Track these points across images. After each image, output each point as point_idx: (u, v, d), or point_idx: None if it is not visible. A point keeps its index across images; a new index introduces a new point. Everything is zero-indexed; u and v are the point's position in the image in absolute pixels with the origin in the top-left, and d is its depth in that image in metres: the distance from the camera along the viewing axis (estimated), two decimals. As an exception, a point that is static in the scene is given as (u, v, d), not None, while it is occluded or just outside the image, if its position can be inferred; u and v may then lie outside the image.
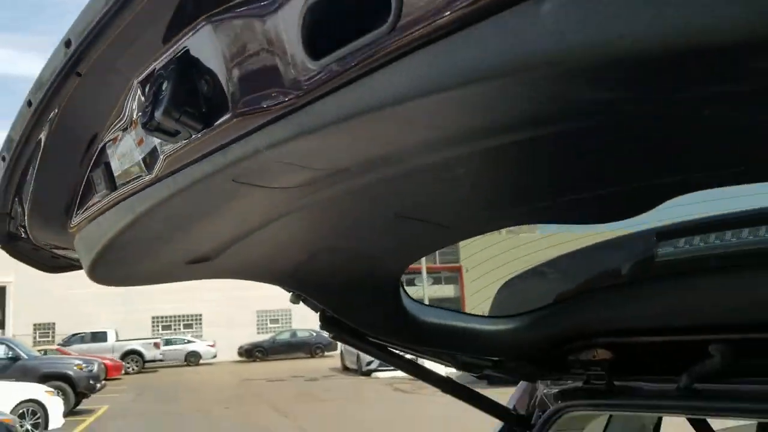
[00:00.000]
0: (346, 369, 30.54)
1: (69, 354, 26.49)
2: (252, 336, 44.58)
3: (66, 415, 16.36)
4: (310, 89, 0.79)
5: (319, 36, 0.74)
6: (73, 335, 37.09)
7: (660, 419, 2.82)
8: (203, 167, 0.97)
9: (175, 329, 47.43)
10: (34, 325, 42.07)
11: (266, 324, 47.24)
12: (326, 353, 39.56)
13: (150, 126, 0.94)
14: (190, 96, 0.90)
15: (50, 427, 15.08)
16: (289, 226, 1.30)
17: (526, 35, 0.59)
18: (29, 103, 1.12)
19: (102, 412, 19.76)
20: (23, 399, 14.88)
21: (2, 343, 20.37)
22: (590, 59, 0.58)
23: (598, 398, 2.00)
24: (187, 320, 48.18)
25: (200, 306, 45.21)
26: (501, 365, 2.18)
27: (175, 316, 47.63)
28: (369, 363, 27.12)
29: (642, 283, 1.75)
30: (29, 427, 14.61)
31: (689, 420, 2.33)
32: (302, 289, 1.74)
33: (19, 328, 39.38)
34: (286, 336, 42.27)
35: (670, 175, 1.18)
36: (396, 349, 2.03)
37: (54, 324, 42.39)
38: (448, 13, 0.63)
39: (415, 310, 1.92)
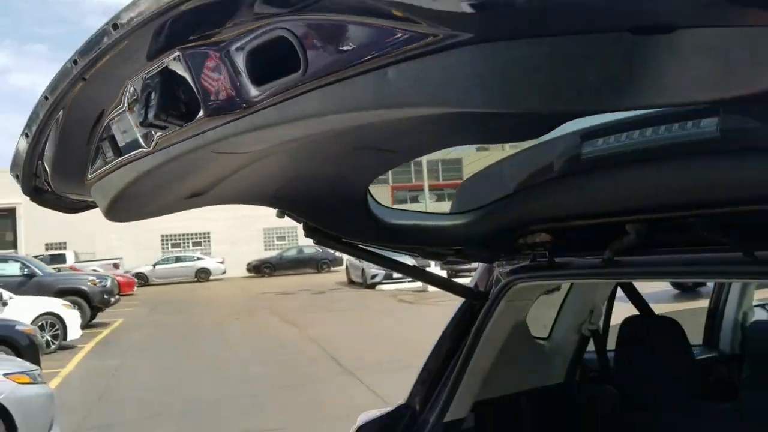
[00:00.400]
0: (351, 282, 31.35)
1: (80, 271, 27.23)
2: (259, 253, 45.45)
3: (83, 327, 17.05)
4: (255, 103, 1.14)
5: (259, 70, 1.09)
6: (33, 257, 37.19)
7: (612, 300, 3.21)
8: (188, 144, 1.31)
9: (184, 247, 48.33)
10: (46, 244, 42.87)
11: (273, 241, 48.07)
12: (332, 268, 40.45)
13: (145, 123, 1.29)
14: (172, 101, 1.23)
15: (68, 338, 15.70)
16: (265, 165, 1.62)
17: (376, 89, 0.97)
18: (46, 98, 1.44)
19: (117, 324, 20.57)
20: (42, 312, 15.42)
21: (17, 261, 20.96)
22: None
23: (541, 272, 2.38)
24: (196, 238, 49.02)
25: (208, 224, 45.91)
26: (462, 253, 2.56)
27: (184, 235, 48.43)
28: (373, 276, 27.84)
29: (572, 177, 2.07)
30: (49, 338, 15.25)
31: (619, 284, 2.75)
32: (284, 207, 2.07)
33: (30, 248, 40.12)
34: (293, 252, 43.10)
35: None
36: (369, 247, 2.38)
37: (65, 243, 43.22)
38: (335, 71, 1.00)
39: (383, 214, 2.24)
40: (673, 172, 1.80)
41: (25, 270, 19.89)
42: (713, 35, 0.73)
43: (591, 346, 3.11)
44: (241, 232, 45.64)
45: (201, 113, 1.22)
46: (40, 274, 20.02)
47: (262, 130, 1.19)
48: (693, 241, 1.94)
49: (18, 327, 11.54)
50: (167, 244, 48.13)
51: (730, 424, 2.51)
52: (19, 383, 6.91)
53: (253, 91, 1.12)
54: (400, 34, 0.89)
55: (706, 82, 0.79)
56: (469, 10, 0.75)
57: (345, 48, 0.97)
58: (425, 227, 2.38)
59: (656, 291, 15.80)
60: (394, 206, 2.35)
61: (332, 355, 13.06)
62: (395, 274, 25.37)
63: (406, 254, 2.57)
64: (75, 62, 1.31)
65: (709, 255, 1.93)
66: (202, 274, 42.39)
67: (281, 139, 1.32)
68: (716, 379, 3.38)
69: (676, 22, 0.73)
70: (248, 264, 43.50)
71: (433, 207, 31.86)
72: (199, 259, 44.11)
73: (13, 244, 41.99)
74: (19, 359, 8.40)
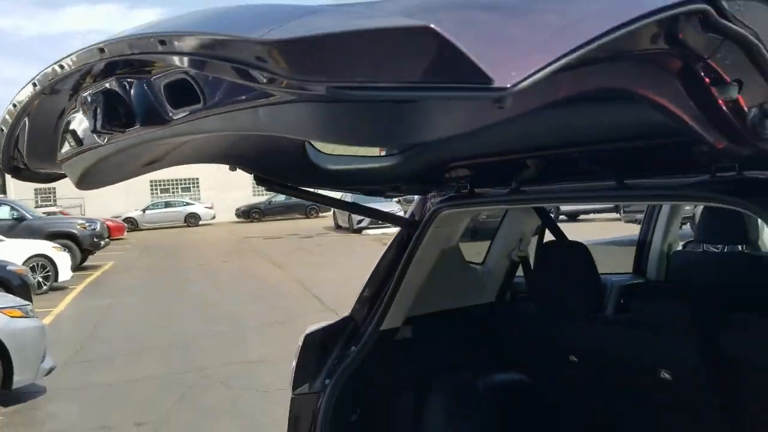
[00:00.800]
0: (338, 227, 31.82)
1: (69, 215, 27.54)
2: (248, 198, 45.74)
3: (74, 270, 17.42)
4: (173, 119, 1.48)
5: (174, 97, 1.43)
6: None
7: (543, 233, 3.59)
8: (131, 141, 1.65)
9: (173, 192, 48.58)
10: (35, 189, 43.00)
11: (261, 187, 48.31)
12: (320, 214, 40.89)
13: (94, 132, 1.62)
14: (114, 114, 1.56)
15: (60, 279, 16.11)
16: (208, 137, 1.93)
17: (252, 120, 1.33)
18: (14, 106, 1.78)
19: (108, 267, 20.99)
20: (32, 254, 15.76)
21: (6, 205, 21.17)
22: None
23: (463, 200, 2.75)
24: (185, 184, 49.24)
25: (196, 170, 46.04)
26: (398, 188, 2.93)
27: (172, 180, 48.63)
28: (360, 221, 28.25)
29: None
30: (40, 279, 15.63)
31: (539, 215, 3.17)
32: (234, 162, 2.42)
33: (19, 192, 40.18)
34: (281, 198, 43.29)
35: None
36: (316, 189, 2.73)
37: (54, 189, 43.36)
38: (224, 106, 1.35)
39: (322, 161, 2.56)
40: (558, 117, 2.14)
41: (15, 213, 20.09)
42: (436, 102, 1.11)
43: (521, 271, 3.51)
44: (230, 178, 45.45)
45: (137, 125, 1.56)
46: (30, 217, 20.26)
47: (184, 135, 1.58)
48: (579, 172, 2.31)
49: (10, 267, 11.86)
50: (156, 189, 48.35)
51: (624, 331, 2.93)
52: (12, 317, 7.29)
53: (171, 111, 1.47)
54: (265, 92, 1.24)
55: (435, 128, 1.18)
56: (292, 91, 1.12)
57: (230, 94, 1.33)
58: (362, 169, 2.72)
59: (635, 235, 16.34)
60: (333, 153, 2.67)
61: (315, 294, 13.56)
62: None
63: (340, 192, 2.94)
64: (35, 84, 1.66)
65: (591, 183, 2.31)
66: (192, 219, 42.79)
67: (201, 134, 1.70)
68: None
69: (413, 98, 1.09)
70: (237, 209, 43.86)
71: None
72: (188, 204, 44.43)
73: (2, 189, 42.08)
74: (11, 295, 8.77)
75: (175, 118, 1.44)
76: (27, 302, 8.12)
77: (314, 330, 2.92)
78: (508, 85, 0.94)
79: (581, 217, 28.32)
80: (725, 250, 3.67)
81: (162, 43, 1.22)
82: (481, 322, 3.33)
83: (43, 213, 25.65)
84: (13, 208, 20.48)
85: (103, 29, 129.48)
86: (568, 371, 3.09)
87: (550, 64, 0.97)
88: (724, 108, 1.33)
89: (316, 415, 2.75)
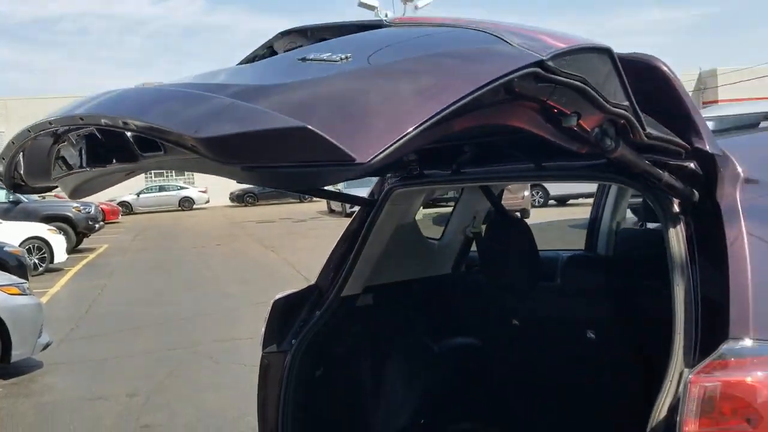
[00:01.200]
0: (332, 212, 32.18)
1: (65, 199, 27.78)
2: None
3: (69, 252, 17.73)
4: (142, 158, 1.81)
5: (141, 145, 1.76)
6: None
7: (491, 209, 3.94)
8: (113, 168, 1.99)
9: (167, 176, 48.78)
10: (30, 173, 43.05)
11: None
12: (314, 198, 41.14)
13: (81, 167, 1.98)
14: (96, 155, 1.92)
15: (55, 261, 16.47)
16: None
17: (200, 165, 1.67)
18: (12, 143, 2.13)
19: (103, 249, 21.32)
20: (28, 236, 16.11)
21: (2, 188, 21.44)
22: None
23: (414, 180, 3.10)
24: (179, 168, 49.37)
25: (191, 154, 46.13)
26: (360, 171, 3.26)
27: (167, 164, 48.76)
28: (352, 206, 28.58)
29: None
30: (36, 261, 15.95)
31: (485, 193, 3.53)
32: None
33: (15, 176, 40.30)
34: (275, 182, 43.60)
35: None
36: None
37: (49, 172, 43.43)
38: (180, 154, 1.64)
39: None
40: None
41: (11, 197, 20.35)
42: None
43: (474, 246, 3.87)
44: (225, 162, 45.84)
45: (114, 161, 1.92)
46: (26, 200, 20.51)
47: (153, 167, 1.97)
48: (506, 156, 2.66)
49: (6, 248, 12.20)
50: (150, 172, 48.44)
51: (558, 297, 3.29)
52: (9, 294, 7.62)
53: (140, 154, 1.82)
54: None
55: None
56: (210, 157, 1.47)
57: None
58: None
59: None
60: None
61: (305, 276, 13.86)
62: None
63: None
64: (29, 131, 2.02)
65: (515, 165, 2.66)
66: (186, 203, 43.12)
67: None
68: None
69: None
70: (231, 193, 44.16)
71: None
72: (182, 188, 44.70)
73: (-3, 173, 42.12)
74: (8, 274, 9.08)
75: (144, 156, 1.80)
76: (23, 281, 8.44)
77: (282, 296, 3.28)
78: (366, 161, 1.32)
79: (570, 201, 28.73)
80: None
81: (125, 123, 1.65)
82: (437, 291, 3.69)
83: (38, 197, 25.86)
84: (9, 191, 20.72)
85: (99, 12, 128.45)
86: (511, 333, 3.46)
87: (396, 141, 1.35)
88: (575, 129, 1.73)
89: (283, 370, 3.11)
